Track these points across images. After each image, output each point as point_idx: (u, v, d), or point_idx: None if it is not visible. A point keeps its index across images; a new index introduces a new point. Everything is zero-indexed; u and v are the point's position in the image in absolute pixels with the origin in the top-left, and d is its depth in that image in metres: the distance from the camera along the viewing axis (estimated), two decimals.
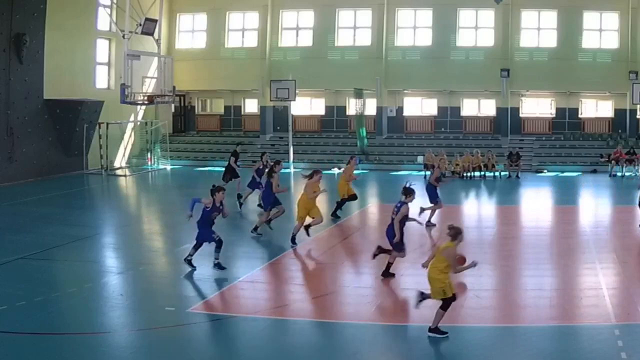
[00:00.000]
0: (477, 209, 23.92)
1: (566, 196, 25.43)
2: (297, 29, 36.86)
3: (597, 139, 33.49)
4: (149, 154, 34.36)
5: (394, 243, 13.08)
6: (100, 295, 12.38)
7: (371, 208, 22.33)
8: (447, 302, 9.95)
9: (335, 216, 19.26)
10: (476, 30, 34.72)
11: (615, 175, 29.85)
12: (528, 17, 34.26)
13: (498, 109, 34.77)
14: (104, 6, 32.39)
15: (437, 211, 18.36)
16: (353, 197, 19.79)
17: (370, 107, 35.68)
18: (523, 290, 12.72)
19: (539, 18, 34.16)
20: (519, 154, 30.77)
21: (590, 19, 33.41)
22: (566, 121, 34.67)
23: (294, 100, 33.12)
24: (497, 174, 30.04)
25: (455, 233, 9.91)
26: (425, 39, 35.09)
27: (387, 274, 13.16)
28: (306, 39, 36.54)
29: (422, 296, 10.38)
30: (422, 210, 17.65)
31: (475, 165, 30.00)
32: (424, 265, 10.47)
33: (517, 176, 29.70)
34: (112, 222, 20.84)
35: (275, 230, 17.22)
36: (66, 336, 10.26)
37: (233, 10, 37.15)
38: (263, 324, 10.95)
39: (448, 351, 9.74)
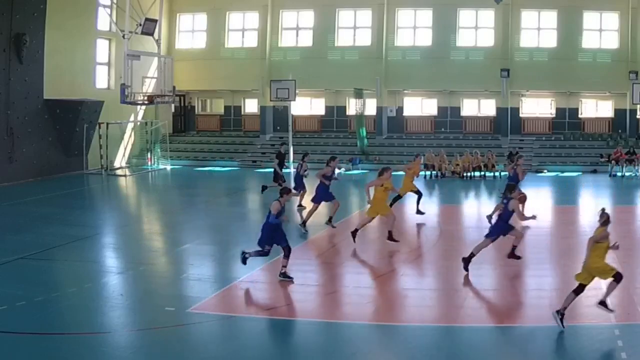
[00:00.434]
0: (477, 209, 23.91)
1: (566, 196, 25.43)
2: (297, 29, 36.85)
3: (597, 139, 33.49)
4: (149, 154, 34.36)
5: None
6: (100, 295, 12.38)
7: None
8: (618, 276, 10.28)
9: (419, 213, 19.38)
10: (476, 30, 34.71)
11: (615, 175, 29.85)
12: (528, 17, 34.26)
13: (498, 109, 34.77)
14: (104, 6, 32.38)
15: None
16: (418, 193, 19.64)
17: (370, 107, 35.67)
18: (523, 290, 12.71)
19: (539, 18, 34.15)
20: (518, 153, 30.75)
21: (590, 19, 33.40)
22: (566, 121, 34.67)
23: (294, 100, 33.09)
24: (497, 174, 30.03)
25: (606, 220, 10.53)
26: (425, 39, 35.09)
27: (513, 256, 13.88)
28: (306, 39, 36.54)
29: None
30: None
31: (475, 165, 30.00)
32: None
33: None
34: (112, 222, 20.84)
35: None
36: (66, 336, 10.26)
37: (233, 10, 37.14)
38: (263, 324, 10.96)
39: (448, 351, 9.74)
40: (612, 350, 9.34)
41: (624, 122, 33.39)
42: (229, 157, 35.12)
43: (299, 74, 33.29)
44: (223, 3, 36.74)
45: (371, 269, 14.45)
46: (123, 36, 27.97)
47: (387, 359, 9.68)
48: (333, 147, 35.20)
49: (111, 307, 11.69)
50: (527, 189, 27.12)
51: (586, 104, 34.92)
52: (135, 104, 30.02)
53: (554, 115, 35.04)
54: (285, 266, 12.93)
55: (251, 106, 38.42)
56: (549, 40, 33.92)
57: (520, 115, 35.19)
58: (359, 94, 34.11)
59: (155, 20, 29.75)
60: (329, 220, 18.02)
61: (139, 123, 35.23)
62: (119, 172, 32.40)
